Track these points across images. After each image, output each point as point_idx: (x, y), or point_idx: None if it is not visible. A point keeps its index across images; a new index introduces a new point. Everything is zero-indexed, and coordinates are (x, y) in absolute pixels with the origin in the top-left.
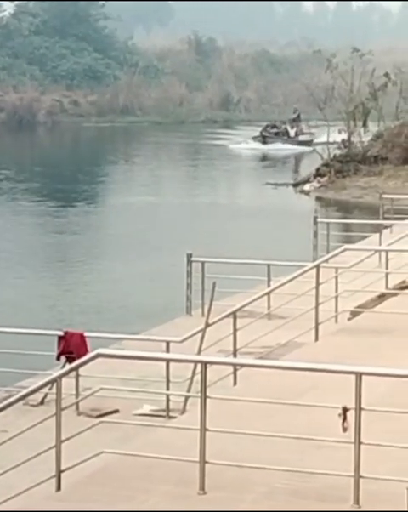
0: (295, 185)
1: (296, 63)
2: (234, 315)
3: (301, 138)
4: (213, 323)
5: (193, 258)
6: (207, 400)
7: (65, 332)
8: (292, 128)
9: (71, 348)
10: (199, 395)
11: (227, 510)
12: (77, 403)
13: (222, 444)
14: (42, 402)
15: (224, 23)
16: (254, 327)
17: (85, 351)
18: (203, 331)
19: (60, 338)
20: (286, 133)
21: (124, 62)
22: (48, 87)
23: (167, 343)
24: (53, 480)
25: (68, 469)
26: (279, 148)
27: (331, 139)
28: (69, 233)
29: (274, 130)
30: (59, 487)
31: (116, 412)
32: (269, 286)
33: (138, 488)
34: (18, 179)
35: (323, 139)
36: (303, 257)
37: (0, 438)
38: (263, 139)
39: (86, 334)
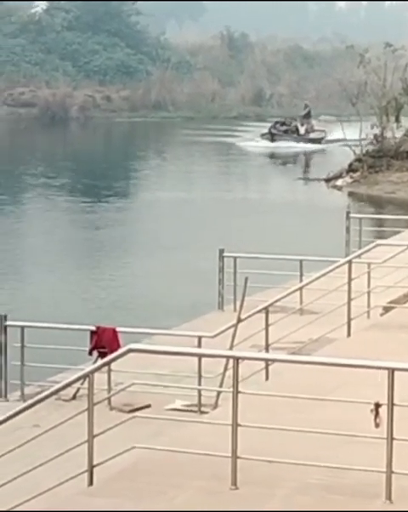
0: (327, 181)
1: (328, 58)
2: (266, 310)
3: (311, 135)
4: (245, 318)
5: (225, 254)
6: (239, 395)
7: (98, 328)
8: (303, 125)
9: (103, 343)
10: (231, 390)
11: (259, 510)
12: (109, 398)
13: (253, 439)
14: (74, 397)
15: (257, 19)
16: (286, 322)
17: (117, 346)
18: (235, 326)
19: (92, 333)
20: (296, 130)
21: (156, 57)
22: (81, 82)
23: (199, 338)
24: (85, 476)
25: (100, 464)
26: (287, 146)
27: (350, 137)
28: (101, 228)
29: (284, 127)
30: (90, 482)
31: (147, 407)
32: (301, 281)
33: (169, 483)
34: (50, 174)
35: (335, 136)
36: (336, 252)
37: (32, 433)
38: (272, 137)
39: (118, 329)
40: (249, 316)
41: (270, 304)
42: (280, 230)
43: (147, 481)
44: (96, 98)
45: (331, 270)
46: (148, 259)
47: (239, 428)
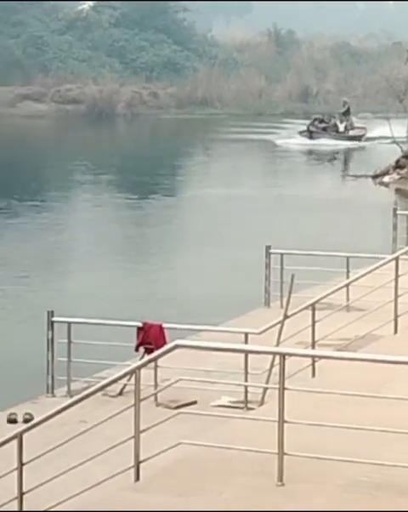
0: (374, 177)
1: (375, 55)
2: (312, 307)
3: (351, 133)
4: (292, 315)
5: (272, 251)
6: (286, 392)
7: (144, 324)
8: (342, 122)
9: (150, 339)
10: (277, 386)
11: (305, 507)
12: (156, 394)
13: (300, 436)
14: (120, 393)
15: (304, 16)
16: (333, 319)
17: (163, 343)
18: (282, 323)
19: (139, 329)
20: (335, 127)
21: (203, 54)
22: (128, 79)
23: (246, 334)
24: (132, 471)
25: (146, 459)
26: (326, 143)
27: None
28: (147, 225)
29: (322, 125)
30: (137, 478)
31: (194, 403)
32: (347, 278)
33: (215, 479)
34: (97, 171)
35: (376, 133)
36: (383, 249)
37: (79, 429)
38: (310, 134)
39: (164, 326)
40: (295, 313)
41: (317, 301)
42: (327, 227)
43: (193, 477)
44: (143, 94)
45: (377, 267)
46: (194, 256)
47: (285, 424)
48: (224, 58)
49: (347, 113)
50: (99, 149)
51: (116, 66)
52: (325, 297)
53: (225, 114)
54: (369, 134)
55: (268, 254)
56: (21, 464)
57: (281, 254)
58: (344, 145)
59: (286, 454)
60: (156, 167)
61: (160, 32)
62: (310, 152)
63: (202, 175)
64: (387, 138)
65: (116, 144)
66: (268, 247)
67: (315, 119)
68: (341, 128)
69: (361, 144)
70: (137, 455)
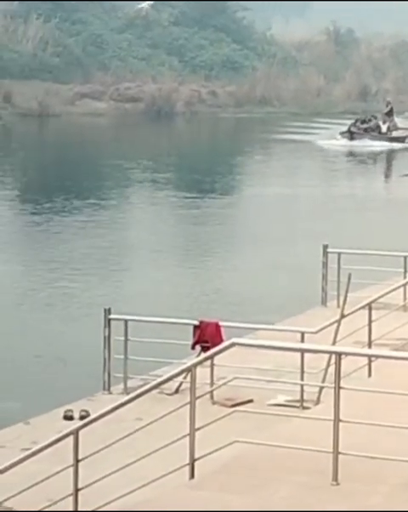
0: None
1: None
2: (369, 306)
3: (394, 134)
4: (348, 314)
5: (329, 250)
6: (342, 391)
7: (201, 322)
8: (384, 122)
9: (206, 337)
10: (333, 385)
11: (360, 506)
12: (212, 392)
13: (355, 435)
14: (176, 391)
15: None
16: (390, 318)
17: (220, 341)
18: (338, 322)
19: (196, 327)
20: (377, 128)
21: (262, 53)
22: (187, 77)
23: (302, 333)
24: (187, 469)
25: (201, 457)
26: (367, 144)
27: None
28: (204, 224)
29: (364, 125)
30: (192, 476)
31: (250, 401)
32: (405, 278)
33: (270, 478)
34: (156, 169)
35: None
36: None
37: (135, 426)
38: (351, 135)
39: (221, 324)
40: (352, 312)
41: (374, 301)
42: (384, 226)
43: (248, 475)
44: (202, 93)
45: None
46: (252, 255)
47: (341, 424)
48: (283, 56)
49: (390, 113)
50: (157, 147)
51: (175, 65)
52: (382, 296)
53: (284, 113)
54: None
55: (325, 253)
56: (77, 461)
57: (338, 253)
58: (387, 145)
59: (340, 453)
60: (214, 165)
61: (219, 31)
62: (351, 153)
63: (259, 174)
64: None
65: (174, 142)
66: (325, 246)
67: (357, 120)
68: (383, 128)
69: (404, 145)
70: (192, 453)
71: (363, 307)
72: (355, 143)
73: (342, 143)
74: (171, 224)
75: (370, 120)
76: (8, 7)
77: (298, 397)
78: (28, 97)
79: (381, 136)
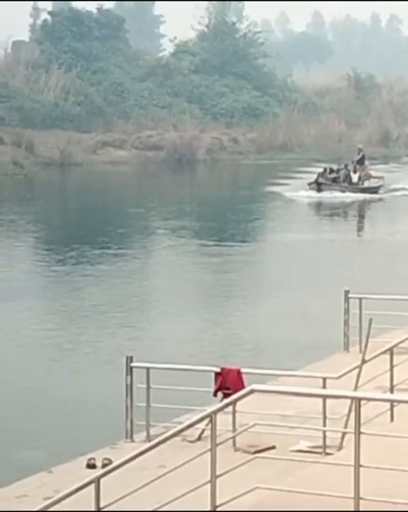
0: None
1: None
2: (391, 351)
3: (366, 184)
4: (370, 359)
5: (350, 295)
6: (364, 436)
7: (222, 369)
8: (356, 172)
9: (228, 384)
10: (354, 431)
11: None
12: (234, 439)
13: (377, 481)
14: (199, 438)
15: (383, 60)
16: None
17: (241, 387)
18: (360, 367)
19: (217, 374)
20: (347, 178)
21: (283, 99)
22: (208, 125)
23: (324, 379)
24: None
25: (223, 504)
26: (336, 196)
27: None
28: (225, 271)
29: (333, 175)
30: None
31: (272, 448)
32: None
33: None
34: (177, 217)
35: (400, 184)
36: None
37: (157, 473)
38: (318, 187)
39: (243, 370)
40: (374, 357)
41: (395, 345)
42: (405, 271)
43: None
44: (223, 140)
45: None
46: (273, 301)
47: (363, 469)
48: (304, 103)
49: (361, 161)
50: (179, 195)
51: (196, 112)
52: (403, 341)
53: (305, 159)
54: (394, 185)
55: (346, 299)
56: (99, 509)
57: (360, 299)
58: (357, 197)
59: (362, 498)
60: (236, 212)
61: (240, 78)
62: (319, 205)
63: (277, 220)
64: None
65: (195, 190)
66: (346, 292)
67: (325, 169)
68: (354, 178)
69: (378, 196)
70: (213, 499)
71: (384, 352)
72: (323, 194)
73: (308, 194)
74: (191, 271)
75: (339, 169)
76: (29, 57)
77: (321, 443)
78: (50, 146)
79: (351, 187)
